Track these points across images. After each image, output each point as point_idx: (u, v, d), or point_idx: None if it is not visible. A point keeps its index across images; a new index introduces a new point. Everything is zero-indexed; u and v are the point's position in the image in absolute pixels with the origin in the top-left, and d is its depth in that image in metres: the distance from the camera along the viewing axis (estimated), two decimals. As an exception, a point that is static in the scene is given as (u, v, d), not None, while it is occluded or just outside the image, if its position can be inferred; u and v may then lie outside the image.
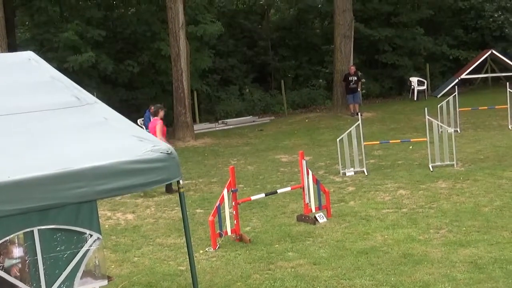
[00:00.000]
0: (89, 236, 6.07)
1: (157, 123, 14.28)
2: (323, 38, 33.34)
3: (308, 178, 11.16)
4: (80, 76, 22.36)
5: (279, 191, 11.96)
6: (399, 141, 17.33)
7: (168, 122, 24.05)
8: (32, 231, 5.79)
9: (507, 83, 20.20)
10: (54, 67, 7.84)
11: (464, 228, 10.14)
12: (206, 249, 10.11)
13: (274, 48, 32.85)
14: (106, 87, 25.45)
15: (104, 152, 6.20)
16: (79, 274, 6.03)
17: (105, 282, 6.24)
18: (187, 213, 7.10)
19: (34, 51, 8.21)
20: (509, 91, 19.25)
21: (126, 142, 6.47)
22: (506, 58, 31.12)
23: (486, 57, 31.41)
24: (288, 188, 12.03)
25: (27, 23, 28.17)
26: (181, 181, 6.78)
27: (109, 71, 24.69)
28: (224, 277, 8.84)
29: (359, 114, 17.95)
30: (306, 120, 26.33)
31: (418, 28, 32.82)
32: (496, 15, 34.39)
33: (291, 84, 31.56)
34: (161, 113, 14.59)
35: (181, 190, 6.89)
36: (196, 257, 9.51)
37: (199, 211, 12.62)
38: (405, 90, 32.16)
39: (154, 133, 13.95)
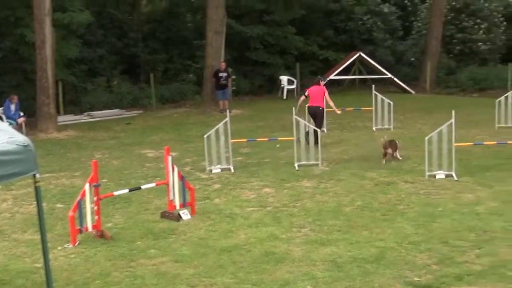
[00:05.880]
0: None
1: (325, 90, 17.67)
2: (195, 32, 33.21)
3: (173, 174, 11.01)
4: None
5: (143, 187, 11.75)
6: (267, 139, 17.47)
7: (31, 112, 23.20)
8: None
9: (373, 86, 20.81)
10: None
11: (326, 227, 10.31)
12: (65, 246, 9.76)
13: (144, 40, 32.35)
14: (-36, 73, 24.25)
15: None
16: None
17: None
18: (43, 208, 6.78)
19: None
20: (375, 93, 19.84)
21: (-21, 133, 6.09)
22: (373, 61, 32.17)
23: (355, 59, 32.34)
24: (153, 184, 11.87)
25: None
26: (37, 175, 6.47)
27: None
28: (82, 275, 8.55)
29: (227, 111, 17.90)
30: (175, 115, 26.12)
31: (290, 27, 33.31)
32: (365, 19, 35.57)
33: (161, 78, 31.18)
34: (322, 82, 18.06)
35: (37, 184, 6.56)
36: (54, 253, 9.20)
37: (59, 206, 12.18)
38: (275, 88, 32.56)
39: (321, 98, 17.29)
